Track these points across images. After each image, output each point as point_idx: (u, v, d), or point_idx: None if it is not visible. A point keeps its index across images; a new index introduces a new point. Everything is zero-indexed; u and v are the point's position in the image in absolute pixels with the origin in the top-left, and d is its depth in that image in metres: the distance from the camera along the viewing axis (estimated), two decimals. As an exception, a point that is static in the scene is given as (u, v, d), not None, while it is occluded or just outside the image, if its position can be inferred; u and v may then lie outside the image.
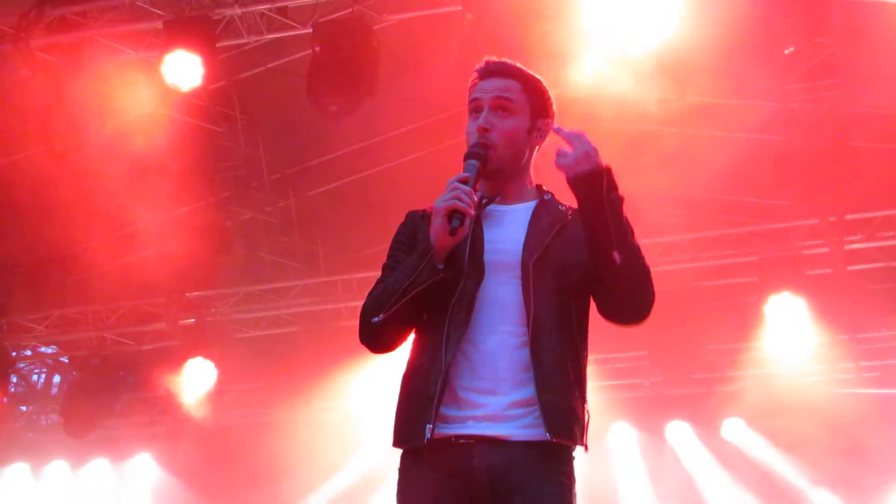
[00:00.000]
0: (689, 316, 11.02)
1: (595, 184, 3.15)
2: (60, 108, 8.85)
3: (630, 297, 3.32)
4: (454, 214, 3.15)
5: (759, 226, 10.73)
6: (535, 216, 3.41)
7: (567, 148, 3.20)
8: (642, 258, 3.29)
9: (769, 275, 10.48)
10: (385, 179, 11.09)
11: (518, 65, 3.53)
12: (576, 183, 3.18)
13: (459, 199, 3.16)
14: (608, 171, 3.17)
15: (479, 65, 3.54)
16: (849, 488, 12.04)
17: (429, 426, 3.13)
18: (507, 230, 3.36)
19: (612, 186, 3.19)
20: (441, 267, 3.19)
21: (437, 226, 3.17)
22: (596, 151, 3.17)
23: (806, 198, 9.98)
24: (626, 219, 3.23)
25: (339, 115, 8.86)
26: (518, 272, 3.27)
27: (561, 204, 3.48)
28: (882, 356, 11.95)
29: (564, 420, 3.18)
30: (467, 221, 3.17)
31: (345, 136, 10.80)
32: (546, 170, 3.43)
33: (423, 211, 3.50)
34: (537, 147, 3.52)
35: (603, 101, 8.60)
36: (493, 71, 3.50)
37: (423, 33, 9.38)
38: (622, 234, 3.21)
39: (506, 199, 3.41)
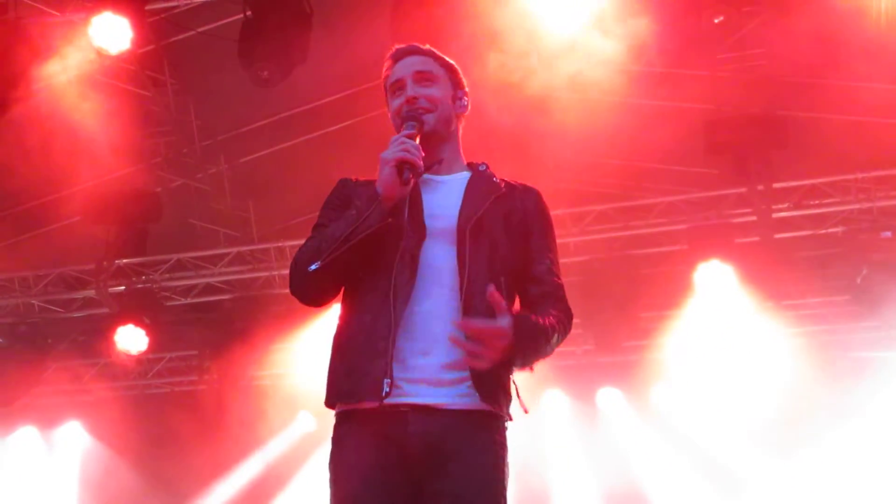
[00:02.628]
0: (619, 284, 11.13)
1: (518, 358, 3.22)
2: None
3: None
4: (404, 165, 3.20)
5: (689, 194, 10.85)
6: (471, 185, 3.48)
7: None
8: (562, 337, 3.38)
9: (698, 243, 10.60)
10: (318, 146, 11.03)
11: (427, 46, 3.67)
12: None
13: (408, 151, 3.22)
14: (520, 344, 3.17)
15: (390, 52, 3.66)
16: (775, 453, 12.29)
17: (386, 381, 3.14)
18: (444, 198, 3.42)
19: (530, 340, 3.22)
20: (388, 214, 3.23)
21: (387, 175, 3.21)
22: (500, 349, 3.12)
23: (734, 166, 10.11)
24: (545, 336, 3.28)
25: (271, 81, 8.78)
26: (454, 238, 3.32)
27: (495, 176, 3.57)
28: (808, 322, 12.19)
29: (491, 387, 3.24)
30: (416, 173, 3.23)
31: (277, 103, 10.71)
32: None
33: (356, 179, 3.56)
34: (462, 118, 3.65)
35: (535, 73, 8.62)
36: (407, 51, 3.63)
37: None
38: (545, 353, 3.32)
39: (440, 170, 3.47)
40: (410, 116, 3.42)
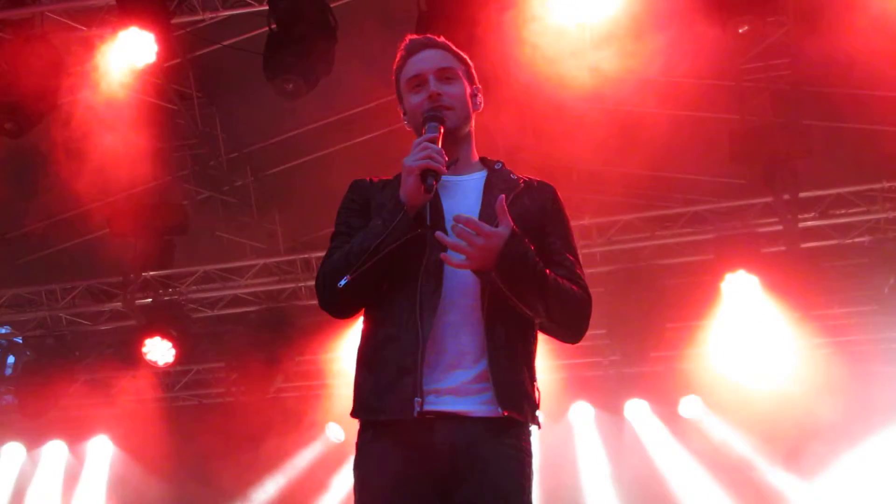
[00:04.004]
0: (646, 294, 11.09)
1: (500, 271, 3.13)
2: (10, 85, 8.71)
3: (563, 332, 3.38)
4: (428, 173, 3.15)
5: (715, 204, 10.80)
6: (488, 186, 3.43)
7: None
8: (570, 299, 3.29)
9: (725, 253, 10.55)
10: (344, 158, 11.06)
11: (442, 39, 3.58)
12: (478, 275, 3.17)
13: (432, 158, 3.17)
14: (509, 255, 3.12)
15: (405, 44, 3.57)
16: (802, 465, 12.20)
17: (416, 399, 3.12)
18: (463, 201, 3.37)
19: (519, 259, 3.14)
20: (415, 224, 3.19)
21: (411, 184, 3.17)
22: (487, 249, 3.10)
23: (760, 176, 10.06)
24: (541, 271, 3.20)
25: (296, 93, 8.81)
26: None
27: (512, 173, 3.52)
28: (834, 333, 12.09)
29: (514, 395, 3.20)
30: (439, 179, 3.18)
31: (303, 115, 10.76)
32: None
33: (370, 179, 3.52)
34: (474, 117, 3.57)
35: (557, 81, 8.62)
36: (424, 44, 3.55)
37: (378, 10, 9.36)
38: (541, 293, 3.20)
39: (455, 170, 3.40)
40: (433, 116, 3.36)
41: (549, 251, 3.36)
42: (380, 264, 3.17)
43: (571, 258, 3.41)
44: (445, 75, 3.48)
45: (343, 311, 3.38)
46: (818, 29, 8.58)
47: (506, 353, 3.21)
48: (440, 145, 3.25)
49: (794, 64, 9.34)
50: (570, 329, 3.35)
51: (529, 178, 3.54)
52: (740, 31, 8.09)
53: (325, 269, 3.31)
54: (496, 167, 3.53)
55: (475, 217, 3.22)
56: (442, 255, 3.12)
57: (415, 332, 3.17)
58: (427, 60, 3.49)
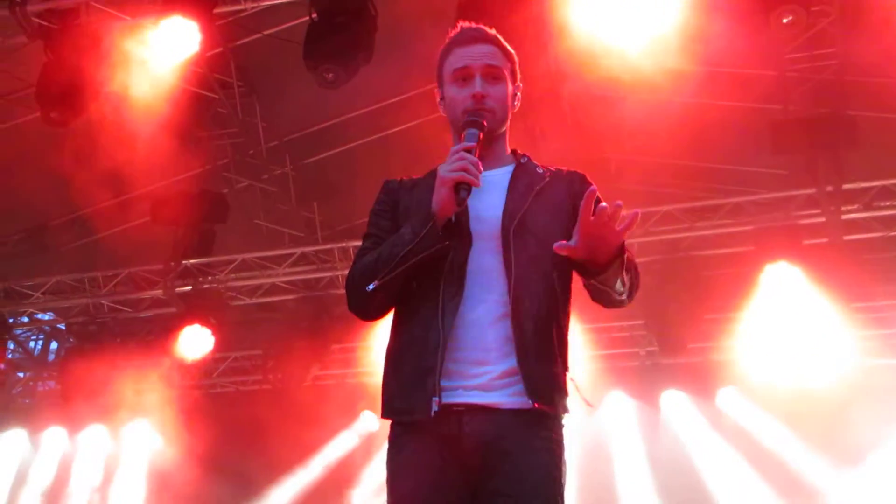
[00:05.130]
0: (685, 285, 11.03)
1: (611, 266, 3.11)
2: (56, 75, 8.79)
3: (620, 304, 3.34)
4: (462, 186, 3.13)
5: (757, 195, 10.71)
6: (514, 180, 3.41)
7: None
8: (638, 275, 3.31)
9: (766, 244, 10.47)
10: (382, 147, 11.09)
11: (494, 32, 3.52)
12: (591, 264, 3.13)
13: (467, 171, 3.15)
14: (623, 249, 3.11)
15: (456, 31, 3.51)
16: (840, 457, 12.10)
17: (434, 399, 3.13)
18: (487, 197, 3.35)
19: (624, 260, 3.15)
20: (443, 236, 3.19)
21: (444, 195, 3.15)
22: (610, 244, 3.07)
23: (803, 167, 9.96)
24: (630, 260, 3.20)
25: (336, 83, 8.81)
26: (499, 240, 3.27)
27: (538, 166, 3.50)
28: (878, 326, 11.98)
29: (545, 387, 3.19)
30: (471, 192, 3.16)
31: (342, 104, 10.78)
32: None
33: (401, 179, 3.52)
34: (511, 114, 3.53)
35: (596, 72, 8.59)
36: (475, 37, 3.48)
37: (420, -1, 9.35)
38: (631, 281, 3.24)
39: (485, 166, 3.36)
40: (473, 122, 3.31)
41: None
42: (406, 272, 3.20)
43: None
44: (493, 74, 3.42)
45: (370, 315, 3.40)
46: (863, 18, 8.48)
47: (535, 346, 3.19)
48: (477, 154, 3.23)
49: (838, 54, 9.23)
50: (623, 303, 3.33)
51: (558, 169, 3.52)
52: (784, 20, 8.00)
53: (354, 272, 3.33)
54: (522, 161, 3.50)
55: (499, 216, 3.26)
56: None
57: (436, 334, 3.18)
58: (476, 56, 3.43)
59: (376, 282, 3.18)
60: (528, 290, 3.20)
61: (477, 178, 3.15)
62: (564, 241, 3.07)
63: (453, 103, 3.43)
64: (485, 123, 3.33)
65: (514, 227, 3.26)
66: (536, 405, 3.14)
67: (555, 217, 3.31)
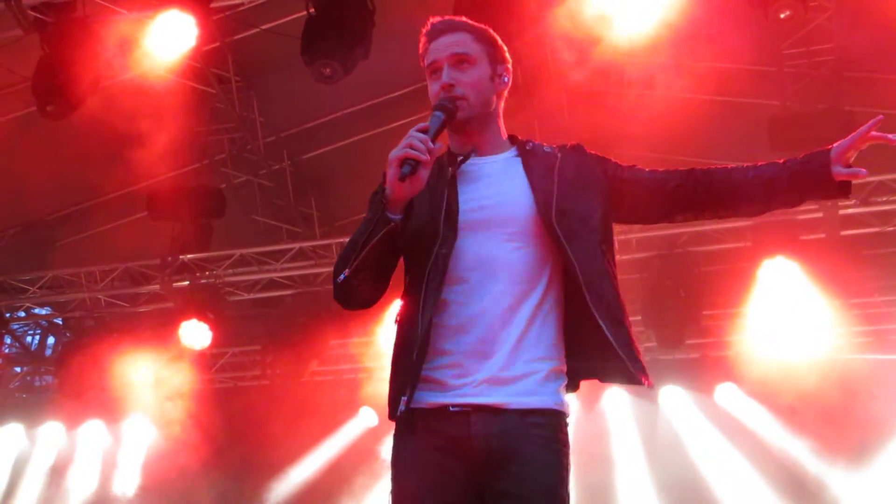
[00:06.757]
0: (683, 281, 11.03)
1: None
2: (53, 68, 8.78)
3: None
4: (405, 162, 3.09)
5: (754, 191, 10.67)
6: (528, 168, 3.38)
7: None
8: None
9: (763, 240, 10.47)
10: (380, 142, 11.06)
11: (463, 19, 3.51)
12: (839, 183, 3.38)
13: (411, 147, 3.10)
14: None
15: (425, 29, 3.50)
16: (838, 452, 12.10)
17: (403, 398, 3.11)
18: (489, 184, 3.33)
19: None
20: (396, 217, 3.13)
21: (390, 176, 3.11)
22: None
23: (800, 163, 9.93)
24: None
25: (334, 78, 8.80)
26: (515, 228, 3.23)
27: (544, 146, 3.48)
28: (874, 321, 11.98)
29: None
30: (421, 170, 3.10)
31: (340, 99, 10.77)
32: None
33: None
34: (503, 94, 3.50)
35: (596, 67, 8.58)
36: (442, 30, 3.46)
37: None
38: None
39: (482, 152, 3.37)
40: (441, 107, 3.27)
41: (636, 177, 3.45)
42: (368, 259, 3.17)
43: (640, 167, 3.49)
44: (460, 60, 3.38)
45: (352, 304, 3.36)
46: (861, 13, 8.48)
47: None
48: (437, 134, 3.19)
49: (836, 49, 9.23)
50: None
51: (562, 145, 3.51)
52: (782, 15, 8.00)
53: (335, 264, 3.32)
54: (528, 147, 3.46)
55: (513, 203, 3.25)
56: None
57: (416, 330, 3.16)
58: (442, 48, 3.40)
59: (346, 271, 3.18)
60: (596, 274, 3.22)
61: (423, 153, 3.09)
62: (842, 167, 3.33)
63: (432, 98, 3.41)
64: (455, 109, 3.29)
65: (554, 214, 3.22)
66: (546, 404, 3.16)
67: (586, 183, 3.34)
